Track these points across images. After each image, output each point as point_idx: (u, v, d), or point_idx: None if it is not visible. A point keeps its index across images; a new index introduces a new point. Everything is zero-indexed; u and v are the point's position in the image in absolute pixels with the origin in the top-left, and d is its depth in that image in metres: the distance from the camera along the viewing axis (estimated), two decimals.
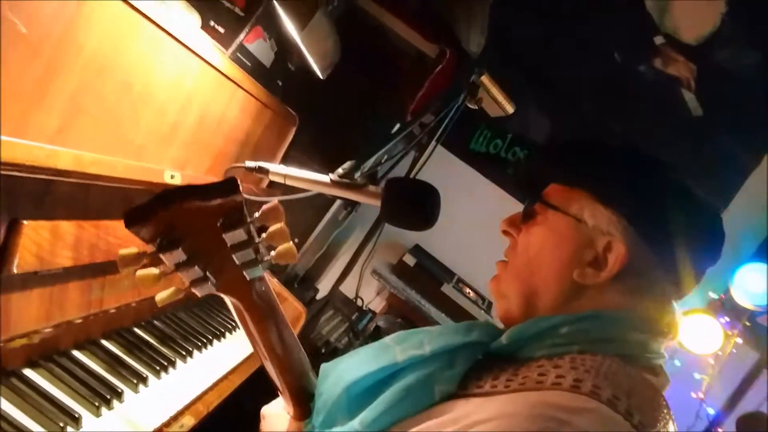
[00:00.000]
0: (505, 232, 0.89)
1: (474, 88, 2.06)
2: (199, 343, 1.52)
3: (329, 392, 0.82)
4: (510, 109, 2.56)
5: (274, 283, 2.23)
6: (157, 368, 1.28)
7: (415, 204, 1.11)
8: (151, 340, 1.38)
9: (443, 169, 2.74)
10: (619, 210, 0.76)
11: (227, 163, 1.69)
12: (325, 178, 1.14)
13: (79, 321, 1.17)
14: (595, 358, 0.68)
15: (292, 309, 2.22)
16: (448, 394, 0.72)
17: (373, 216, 2.69)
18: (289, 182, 1.15)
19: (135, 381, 1.18)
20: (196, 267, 0.73)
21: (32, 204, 0.93)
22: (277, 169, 1.14)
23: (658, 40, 3.17)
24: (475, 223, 2.97)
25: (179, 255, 0.70)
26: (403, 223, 1.13)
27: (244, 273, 0.77)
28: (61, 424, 0.94)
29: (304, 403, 0.89)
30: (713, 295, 2.77)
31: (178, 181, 1.26)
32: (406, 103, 2.40)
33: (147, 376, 1.23)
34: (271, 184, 2.24)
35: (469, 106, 2.20)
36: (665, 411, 0.68)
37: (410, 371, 0.75)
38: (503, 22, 3.10)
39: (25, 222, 0.89)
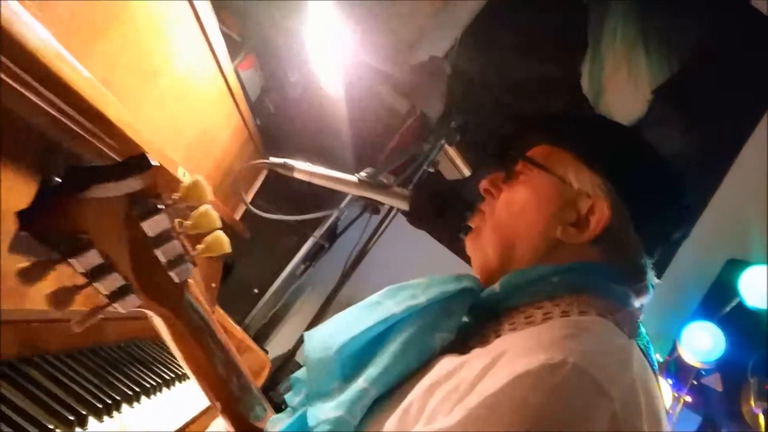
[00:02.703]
0: (485, 191, 0.88)
1: (452, 135, 2.14)
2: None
3: (318, 358, 0.74)
4: (467, 172, 2.66)
5: (237, 330, 2.10)
6: (149, 388, 1.15)
7: (444, 209, 1.10)
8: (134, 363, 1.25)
9: (398, 231, 2.77)
10: (602, 173, 0.78)
11: (214, 188, 1.62)
12: (353, 177, 1.12)
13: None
14: (572, 295, 0.71)
15: (258, 360, 2.09)
16: (448, 342, 0.71)
17: (327, 275, 2.64)
18: (315, 181, 1.12)
19: (131, 393, 1.05)
20: (116, 273, 0.62)
21: (59, 165, 0.84)
22: (303, 167, 1.11)
23: None
24: None
25: (93, 257, 0.59)
26: (430, 226, 1.12)
27: (172, 274, 0.66)
28: (72, 417, 0.82)
29: (247, 422, 0.82)
30: (659, 357, 2.86)
31: (187, 179, 1.19)
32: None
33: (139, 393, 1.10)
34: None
35: (426, 169, 2.28)
36: (642, 329, 0.72)
37: (408, 322, 0.73)
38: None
39: (57, 179, 0.81)
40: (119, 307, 0.64)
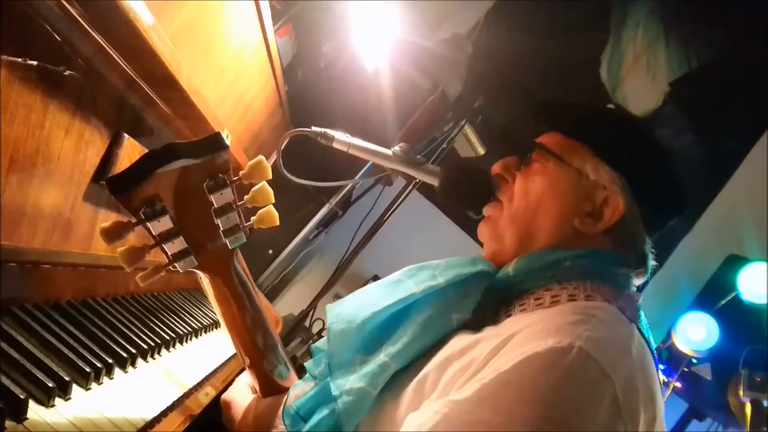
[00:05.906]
0: (498, 176, 0.91)
1: (474, 115, 2.19)
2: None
3: (340, 330, 0.79)
4: (481, 151, 2.70)
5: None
6: (182, 335, 1.23)
7: (475, 185, 1.16)
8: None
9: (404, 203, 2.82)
10: (618, 169, 0.82)
11: (243, 150, 1.68)
12: (388, 151, 1.18)
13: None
14: (579, 280, 0.75)
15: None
16: (463, 322, 0.76)
17: (336, 243, 2.70)
18: (352, 152, 1.17)
19: (168, 339, 1.13)
20: (182, 237, 0.67)
21: (130, 123, 0.91)
22: (342, 137, 1.17)
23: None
24: (432, 257, 3.03)
25: (166, 223, 0.65)
26: (461, 201, 1.17)
27: (227, 241, 0.72)
28: (125, 355, 0.89)
29: (271, 378, 0.88)
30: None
31: (229, 141, 1.25)
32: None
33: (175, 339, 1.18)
34: None
35: (445, 147, 2.32)
36: (641, 312, 0.77)
37: (427, 302, 0.78)
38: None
39: (126, 136, 0.87)
40: (179, 267, 0.70)
